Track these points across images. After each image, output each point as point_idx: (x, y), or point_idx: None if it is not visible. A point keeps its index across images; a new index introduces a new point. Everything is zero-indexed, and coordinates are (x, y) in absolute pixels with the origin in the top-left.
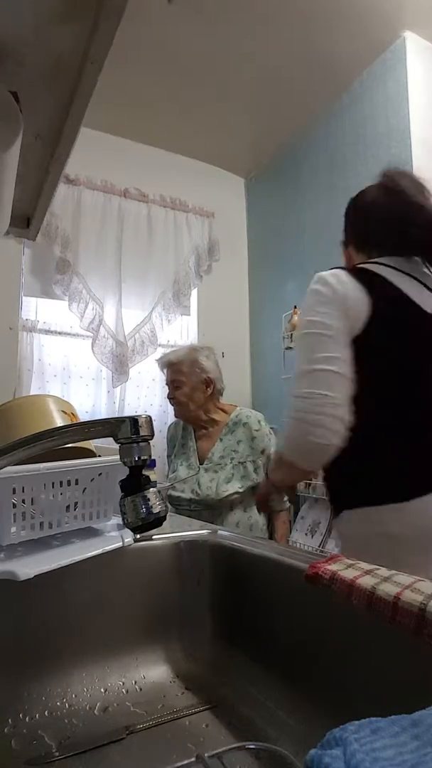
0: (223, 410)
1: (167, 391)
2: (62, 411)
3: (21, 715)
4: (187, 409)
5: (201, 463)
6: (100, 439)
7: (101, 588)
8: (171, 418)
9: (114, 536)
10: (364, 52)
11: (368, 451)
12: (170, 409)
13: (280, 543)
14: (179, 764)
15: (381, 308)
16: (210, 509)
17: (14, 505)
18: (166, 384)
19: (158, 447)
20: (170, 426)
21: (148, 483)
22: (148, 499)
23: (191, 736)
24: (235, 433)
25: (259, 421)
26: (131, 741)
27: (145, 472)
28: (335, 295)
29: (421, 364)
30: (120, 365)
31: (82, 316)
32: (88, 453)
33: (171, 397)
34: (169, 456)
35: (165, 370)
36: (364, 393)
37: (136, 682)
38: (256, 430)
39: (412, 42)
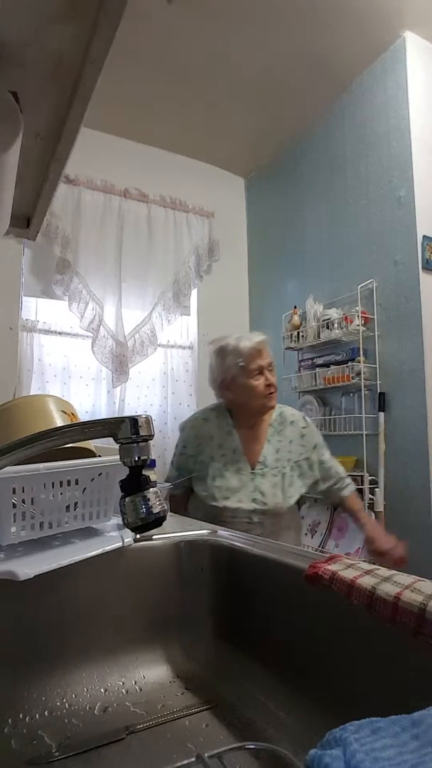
0: None
1: (257, 376)
2: (62, 411)
3: (21, 715)
4: None
5: (252, 468)
6: (100, 439)
7: (101, 588)
8: (171, 418)
9: (114, 536)
10: (364, 52)
11: None
12: (171, 409)
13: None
14: (179, 764)
15: None
16: (273, 517)
17: (14, 505)
18: (260, 367)
19: (158, 446)
20: (196, 420)
21: (148, 483)
22: (148, 499)
23: (191, 736)
24: (283, 432)
25: (303, 418)
26: (131, 741)
27: (145, 472)
28: None
29: None
30: (120, 365)
31: (82, 316)
32: (88, 453)
33: (270, 383)
34: (191, 456)
35: (261, 352)
36: None
37: (136, 682)
38: (304, 427)
39: (412, 42)
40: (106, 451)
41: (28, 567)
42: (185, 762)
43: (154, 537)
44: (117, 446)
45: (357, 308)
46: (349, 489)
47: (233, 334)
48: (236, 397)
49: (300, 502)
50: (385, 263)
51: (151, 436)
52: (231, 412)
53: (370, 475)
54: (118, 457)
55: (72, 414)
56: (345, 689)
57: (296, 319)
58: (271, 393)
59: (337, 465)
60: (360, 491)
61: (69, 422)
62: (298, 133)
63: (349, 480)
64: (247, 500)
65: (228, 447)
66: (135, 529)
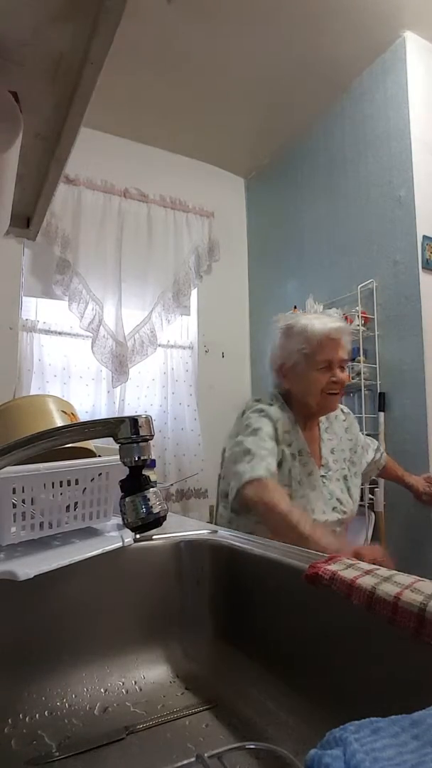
0: None
1: (322, 370)
2: (62, 411)
3: (21, 715)
4: None
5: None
6: (100, 439)
7: (101, 588)
8: (171, 418)
9: (114, 536)
10: (364, 52)
11: None
12: (171, 409)
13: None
14: (179, 764)
15: None
16: (345, 526)
17: (14, 505)
18: (329, 361)
19: (158, 447)
20: (271, 408)
21: (148, 483)
22: (148, 499)
23: (191, 736)
24: (332, 429)
25: (341, 410)
26: (131, 741)
27: (145, 472)
28: None
29: None
30: (120, 365)
31: (82, 316)
32: (88, 453)
33: (337, 381)
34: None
35: (333, 342)
36: None
37: (136, 682)
38: (344, 420)
39: (412, 42)
40: (106, 451)
41: (28, 567)
42: (185, 762)
43: (154, 537)
44: (117, 446)
45: (357, 308)
46: (384, 456)
47: (309, 313)
48: (292, 387)
49: None
50: (385, 263)
51: (151, 436)
52: (288, 404)
53: None
54: (118, 457)
55: (72, 414)
56: (345, 689)
57: None
58: (335, 393)
59: (365, 436)
60: (360, 491)
61: (69, 422)
62: (298, 133)
63: (381, 447)
64: (329, 510)
65: (297, 446)
66: (135, 529)
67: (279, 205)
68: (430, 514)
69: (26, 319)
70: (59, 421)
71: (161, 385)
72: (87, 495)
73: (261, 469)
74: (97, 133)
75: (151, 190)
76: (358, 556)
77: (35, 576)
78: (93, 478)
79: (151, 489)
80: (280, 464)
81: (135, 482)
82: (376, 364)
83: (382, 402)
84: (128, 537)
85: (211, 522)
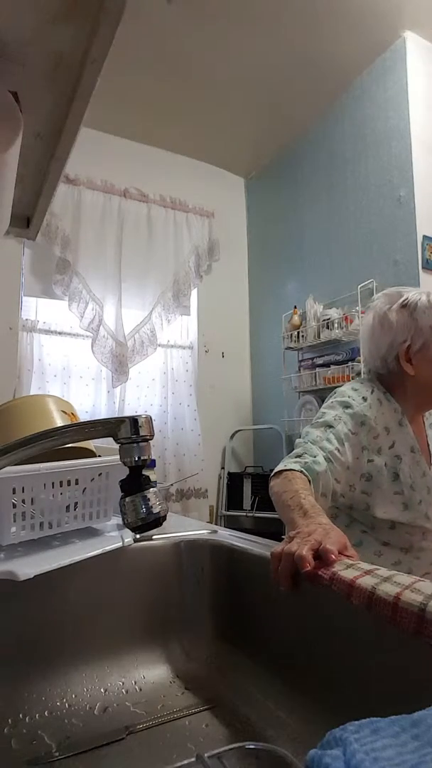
0: None
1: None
2: (62, 411)
3: (21, 715)
4: None
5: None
6: (100, 439)
7: (101, 588)
8: (171, 418)
9: (114, 536)
10: (364, 52)
11: None
12: (171, 409)
13: None
14: (179, 764)
15: None
16: None
17: (14, 505)
18: None
19: (158, 447)
20: (368, 400)
21: (148, 483)
22: (148, 499)
23: (191, 736)
24: None
25: None
26: (131, 741)
27: (145, 472)
28: None
29: None
30: (120, 365)
31: (82, 316)
32: (88, 453)
33: None
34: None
35: None
36: None
37: (136, 682)
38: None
39: (412, 42)
40: (106, 451)
41: (28, 567)
42: (185, 762)
43: (154, 537)
44: (117, 446)
45: (357, 308)
46: None
47: (408, 288)
48: (421, 371)
49: None
50: (385, 263)
51: (151, 436)
52: (392, 395)
53: None
54: (118, 457)
55: (72, 414)
56: (345, 689)
57: (296, 319)
58: None
59: None
60: None
61: (69, 422)
62: (298, 133)
63: None
64: None
65: (404, 444)
66: (135, 529)
67: (279, 205)
68: None
69: (26, 319)
70: (59, 421)
71: (161, 385)
72: (87, 495)
73: (295, 464)
74: (97, 133)
75: (151, 190)
76: (325, 551)
77: (35, 576)
78: (93, 478)
79: (151, 489)
80: (369, 477)
81: (135, 482)
82: None
83: None
84: (128, 537)
85: (211, 522)
